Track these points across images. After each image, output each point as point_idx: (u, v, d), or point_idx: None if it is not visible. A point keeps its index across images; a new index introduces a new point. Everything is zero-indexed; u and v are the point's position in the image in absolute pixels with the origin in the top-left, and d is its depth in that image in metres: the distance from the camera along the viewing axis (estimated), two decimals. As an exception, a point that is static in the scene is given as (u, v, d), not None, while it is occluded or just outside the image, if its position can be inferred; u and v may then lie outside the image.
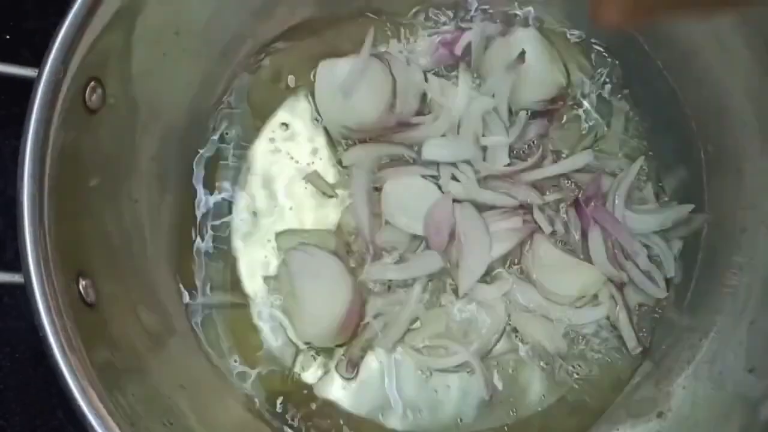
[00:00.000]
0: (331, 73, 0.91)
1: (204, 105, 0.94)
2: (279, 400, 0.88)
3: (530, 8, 0.98)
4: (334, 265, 0.87)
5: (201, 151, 0.94)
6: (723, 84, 0.85)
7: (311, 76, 0.94)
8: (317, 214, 0.93)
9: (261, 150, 0.95)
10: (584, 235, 0.90)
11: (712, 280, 0.89)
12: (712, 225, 0.90)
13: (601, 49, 0.99)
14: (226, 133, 0.95)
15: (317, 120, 0.95)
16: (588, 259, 0.89)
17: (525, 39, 0.92)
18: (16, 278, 0.64)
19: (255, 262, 0.92)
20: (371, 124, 0.91)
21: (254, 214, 0.93)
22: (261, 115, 0.96)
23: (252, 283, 0.91)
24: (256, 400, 0.88)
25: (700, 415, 0.81)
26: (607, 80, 0.98)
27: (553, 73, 0.94)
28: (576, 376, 0.89)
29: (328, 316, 0.85)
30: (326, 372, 0.89)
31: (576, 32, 0.99)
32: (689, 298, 0.91)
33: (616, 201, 0.89)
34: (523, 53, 0.90)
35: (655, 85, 0.94)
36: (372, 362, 0.89)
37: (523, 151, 0.94)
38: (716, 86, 0.86)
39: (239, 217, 0.93)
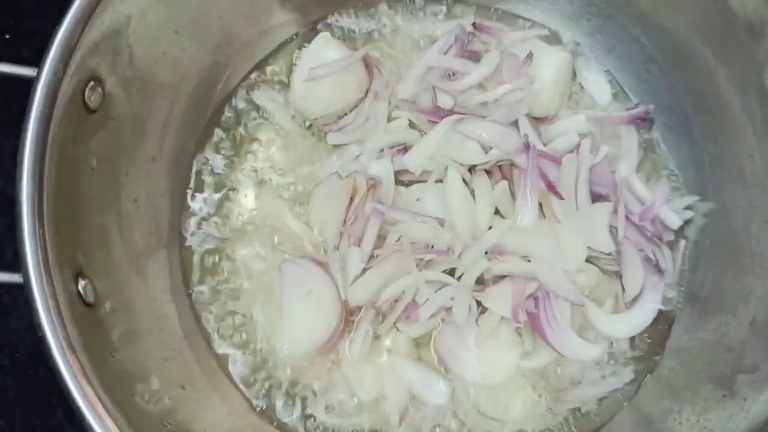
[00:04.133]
0: (321, 51, 0.92)
1: (203, 106, 0.95)
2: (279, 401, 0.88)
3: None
4: (326, 286, 0.85)
5: (200, 152, 0.94)
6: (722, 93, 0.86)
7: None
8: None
9: (257, 153, 0.95)
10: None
11: (713, 281, 0.90)
12: (715, 226, 0.91)
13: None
14: (225, 135, 0.95)
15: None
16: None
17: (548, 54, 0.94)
18: (15, 278, 0.64)
19: (250, 259, 0.92)
20: (314, 115, 0.93)
21: (254, 212, 0.93)
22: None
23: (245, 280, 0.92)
24: (256, 400, 0.88)
25: (704, 416, 0.80)
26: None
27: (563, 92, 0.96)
28: (581, 395, 0.88)
29: (308, 342, 0.83)
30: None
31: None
32: (692, 300, 0.91)
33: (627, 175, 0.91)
34: (530, 54, 0.90)
35: (660, 93, 0.96)
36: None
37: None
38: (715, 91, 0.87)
39: (236, 217, 0.93)
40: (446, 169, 0.86)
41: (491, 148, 0.87)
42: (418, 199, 0.87)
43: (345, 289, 0.84)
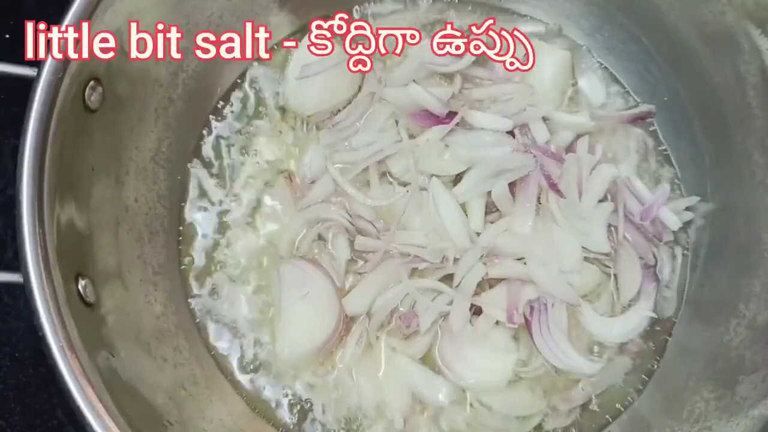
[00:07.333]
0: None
1: (202, 105, 0.95)
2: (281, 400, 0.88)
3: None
4: (324, 287, 0.85)
5: (200, 151, 0.94)
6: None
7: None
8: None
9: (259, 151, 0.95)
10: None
11: (713, 281, 0.90)
12: (715, 227, 0.91)
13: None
14: (224, 134, 0.95)
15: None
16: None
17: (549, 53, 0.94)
18: (15, 278, 0.64)
19: (250, 259, 0.92)
20: (308, 112, 0.93)
21: (252, 214, 0.93)
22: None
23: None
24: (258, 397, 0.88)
25: (704, 416, 0.80)
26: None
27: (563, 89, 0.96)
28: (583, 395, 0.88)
29: (306, 343, 0.83)
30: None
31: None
32: (692, 299, 0.92)
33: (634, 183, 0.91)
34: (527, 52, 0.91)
35: (660, 93, 0.96)
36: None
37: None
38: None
39: (236, 216, 0.93)
40: (429, 179, 0.86)
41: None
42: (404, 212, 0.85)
43: (340, 277, 0.86)
